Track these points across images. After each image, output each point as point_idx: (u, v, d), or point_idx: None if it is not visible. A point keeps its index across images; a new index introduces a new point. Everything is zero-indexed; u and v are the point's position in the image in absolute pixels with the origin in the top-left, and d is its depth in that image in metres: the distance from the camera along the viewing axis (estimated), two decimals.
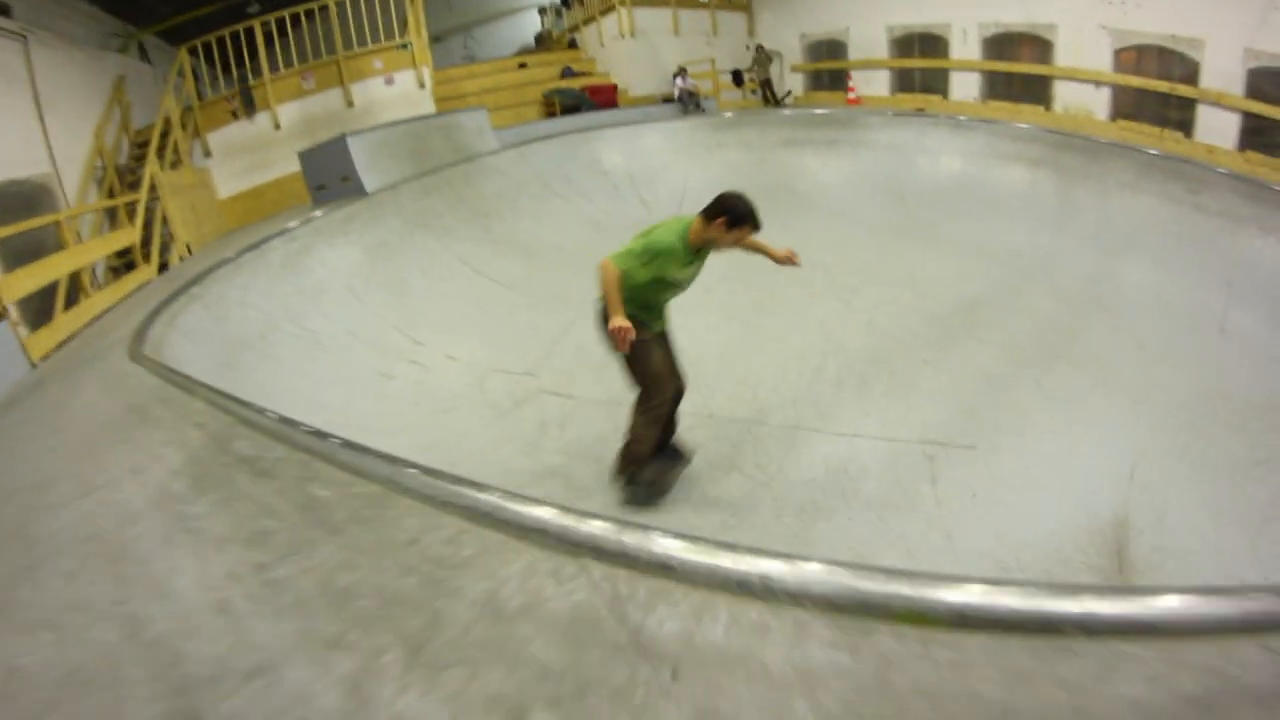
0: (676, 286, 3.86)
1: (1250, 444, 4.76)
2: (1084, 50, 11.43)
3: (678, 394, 4.21)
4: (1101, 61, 11.24)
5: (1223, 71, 9.68)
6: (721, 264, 8.08)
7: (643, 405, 4.03)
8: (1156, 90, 10.53)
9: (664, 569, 1.42)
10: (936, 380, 5.48)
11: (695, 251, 3.72)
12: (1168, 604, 1.20)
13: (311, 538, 1.87)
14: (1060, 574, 3.58)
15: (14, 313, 5.90)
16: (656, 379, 3.98)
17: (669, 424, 4.35)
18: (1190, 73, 10.09)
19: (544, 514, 1.65)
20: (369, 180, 9.22)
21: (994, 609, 1.18)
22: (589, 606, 1.38)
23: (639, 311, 3.75)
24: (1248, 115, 9.52)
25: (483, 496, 1.79)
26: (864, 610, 1.21)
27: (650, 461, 4.14)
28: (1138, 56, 10.87)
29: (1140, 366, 5.73)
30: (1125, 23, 10.79)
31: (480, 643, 1.36)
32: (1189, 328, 6.35)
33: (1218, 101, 9.76)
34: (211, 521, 2.11)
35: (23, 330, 6.11)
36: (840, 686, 1.11)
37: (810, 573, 1.32)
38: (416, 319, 7.07)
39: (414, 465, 2.09)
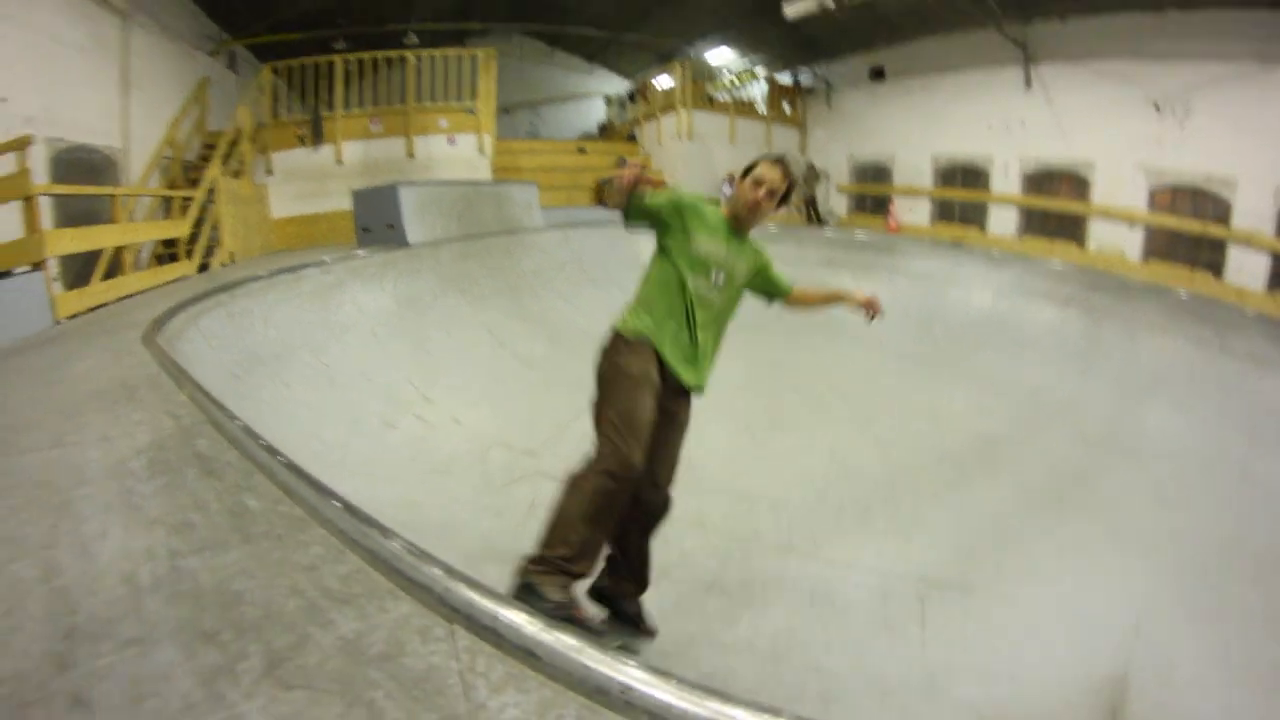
0: (704, 275, 2.99)
1: (1268, 597, 4.61)
2: (1120, 189, 11.61)
3: (642, 482, 2.85)
4: (1137, 200, 11.40)
5: (1254, 211, 9.78)
6: (741, 373, 8.21)
7: (589, 460, 2.75)
8: (1189, 232, 10.60)
9: (529, 655, 1.47)
10: (942, 517, 5.35)
11: (732, 225, 3.13)
12: None
13: (226, 541, 2.04)
14: None
15: (52, 267, 6.09)
16: (621, 418, 2.70)
17: (630, 540, 3.13)
18: (1222, 213, 10.18)
19: (434, 573, 1.72)
20: (413, 232, 9.50)
21: None
22: (442, 671, 1.46)
23: (653, 318, 2.96)
24: (1277, 256, 9.53)
25: (386, 543, 1.88)
26: None
27: (574, 572, 2.73)
28: (1172, 197, 11.01)
29: (1156, 515, 5.59)
30: (1162, 162, 10.99)
31: (331, 675, 1.44)
32: (1209, 474, 6.23)
33: (1248, 242, 9.81)
34: (150, 502, 2.28)
35: (57, 287, 6.29)
36: None
37: (672, 692, 1.35)
38: (432, 376, 7.11)
39: (338, 499, 2.21)
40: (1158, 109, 10.89)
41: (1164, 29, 10.72)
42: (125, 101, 9.80)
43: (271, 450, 2.66)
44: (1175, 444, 6.76)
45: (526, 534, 4.85)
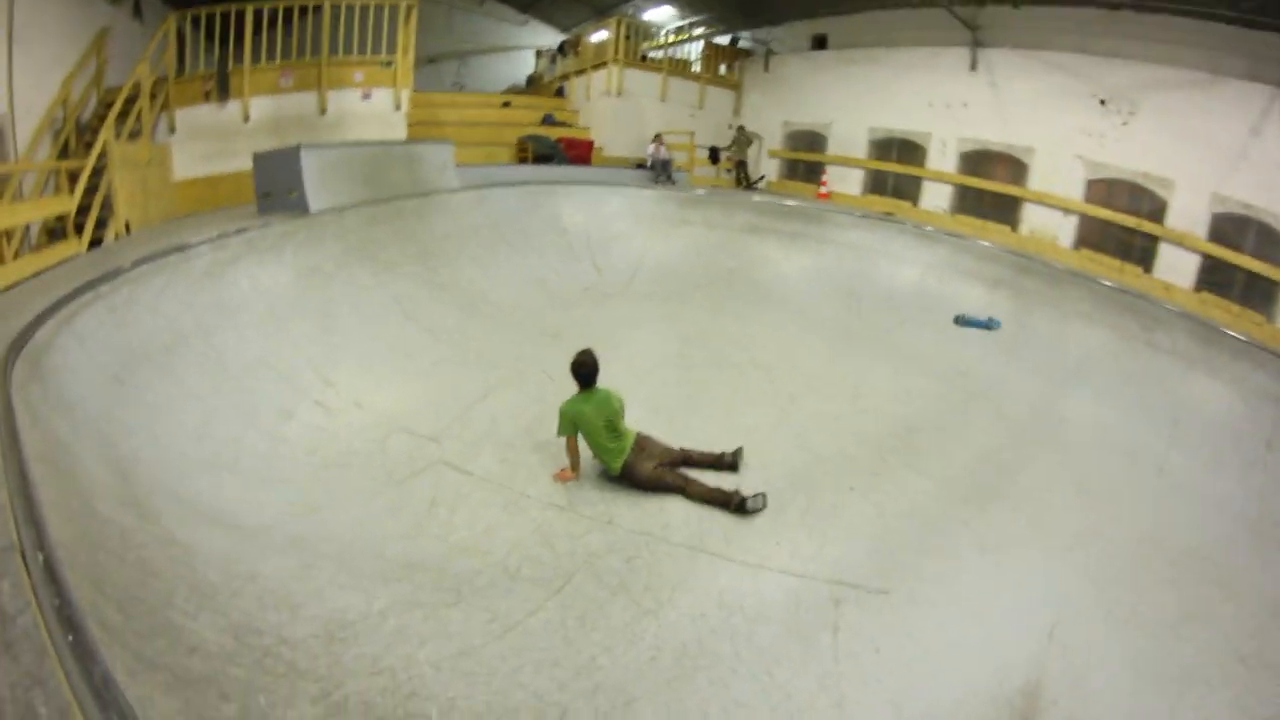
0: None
1: (1181, 597, 4.58)
2: (1057, 177, 11.55)
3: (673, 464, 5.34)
4: (1073, 190, 11.36)
5: (1189, 213, 9.82)
6: (662, 347, 7.91)
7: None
8: (1123, 224, 10.64)
9: None
10: (860, 511, 5.13)
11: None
12: None
13: None
14: None
15: None
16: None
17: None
18: (1157, 210, 10.23)
19: None
20: (315, 199, 8.72)
21: None
22: None
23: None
24: (1207, 257, 9.62)
25: None
26: None
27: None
28: (1108, 189, 11.00)
29: (1078, 510, 5.53)
30: (1101, 155, 10.96)
31: None
32: (1130, 467, 6.24)
33: (1180, 242, 9.86)
34: None
35: None
36: None
37: None
38: (334, 357, 6.58)
39: None
40: (1102, 104, 10.88)
41: (1115, 27, 10.72)
42: (10, 61, 8.51)
43: None
44: (1099, 436, 6.72)
45: (427, 534, 4.50)
